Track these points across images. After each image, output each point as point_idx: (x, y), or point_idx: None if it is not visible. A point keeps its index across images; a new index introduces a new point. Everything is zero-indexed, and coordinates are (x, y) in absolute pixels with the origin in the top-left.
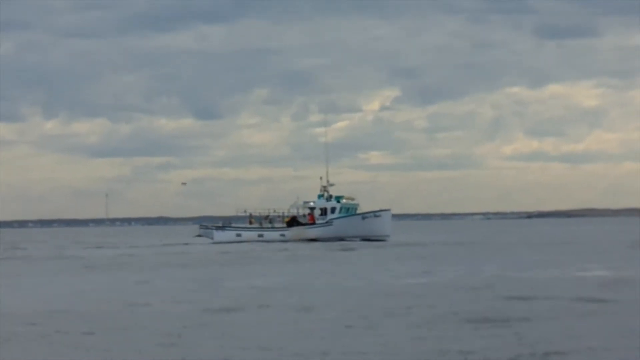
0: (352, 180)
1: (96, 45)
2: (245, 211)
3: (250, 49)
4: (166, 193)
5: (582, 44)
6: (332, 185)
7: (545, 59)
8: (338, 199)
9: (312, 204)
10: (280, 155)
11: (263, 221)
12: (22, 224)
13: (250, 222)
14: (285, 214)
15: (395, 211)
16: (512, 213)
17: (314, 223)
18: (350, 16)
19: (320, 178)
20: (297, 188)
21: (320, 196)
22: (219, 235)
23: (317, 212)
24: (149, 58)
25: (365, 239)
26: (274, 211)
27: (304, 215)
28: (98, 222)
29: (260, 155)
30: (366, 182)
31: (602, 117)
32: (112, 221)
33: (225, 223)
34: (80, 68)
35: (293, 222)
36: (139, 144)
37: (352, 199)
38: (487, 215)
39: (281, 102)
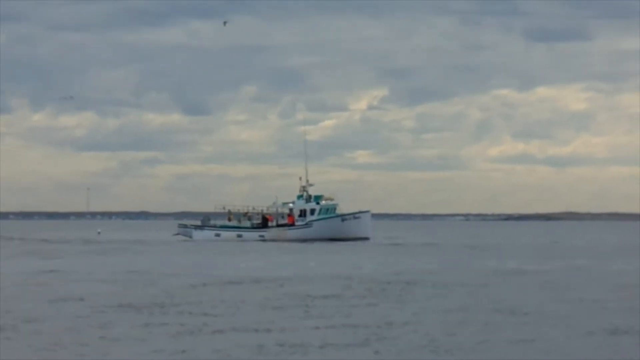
0: (337, 179)
1: (86, 39)
2: (224, 208)
3: (241, 46)
4: (151, 188)
5: (572, 47)
6: (311, 185)
7: (535, 61)
8: (317, 199)
9: (291, 205)
10: (266, 152)
11: (242, 218)
12: (4, 215)
13: (229, 219)
14: (265, 212)
15: (378, 211)
16: (493, 215)
17: (293, 224)
18: (341, 15)
19: (300, 178)
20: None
21: (299, 197)
22: (197, 234)
23: (296, 213)
24: (138, 53)
25: (345, 240)
26: (253, 209)
27: (283, 216)
28: (79, 215)
29: (246, 152)
30: (352, 181)
31: (590, 121)
32: (93, 215)
33: (204, 220)
34: (69, 61)
35: (264, 222)
36: (126, 138)
37: (332, 199)
38: (467, 217)
39: (269, 99)
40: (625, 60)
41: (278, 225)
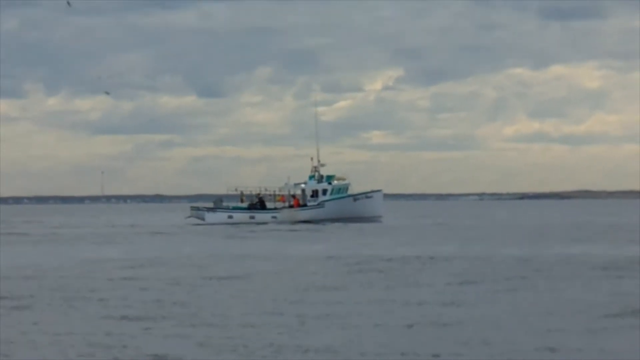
0: (352, 160)
1: (99, 23)
2: (236, 190)
3: (255, 28)
4: (166, 171)
5: (586, 26)
6: (323, 165)
7: (549, 40)
8: (329, 179)
9: (303, 185)
10: (281, 134)
11: (254, 199)
12: (18, 200)
13: (242, 201)
14: (277, 193)
15: (392, 191)
16: (508, 194)
17: (300, 205)
18: None
19: (312, 159)
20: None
21: (311, 177)
22: (210, 217)
23: (308, 194)
24: (152, 36)
25: (358, 219)
26: (266, 190)
27: (295, 197)
28: (94, 199)
29: (262, 133)
30: (366, 162)
31: (604, 98)
32: (108, 198)
33: (216, 202)
34: (83, 45)
35: (261, 203)
36: (141, 121)
37: (344, 179)
38: (481, 196)
39: (284, 81)
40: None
41: (290, 206)
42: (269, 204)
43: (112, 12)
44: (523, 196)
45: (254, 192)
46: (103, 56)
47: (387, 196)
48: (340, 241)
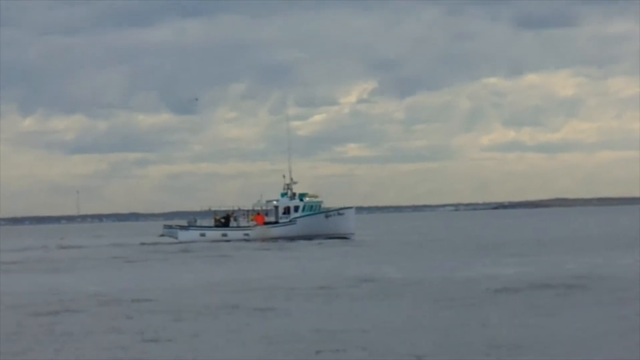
0: (328, 174)
1: (73, 42)
2: (209, 209)
3: (228, 44)
4: (141, 189)
5: (560, 34)
6: (295, 183)
7: (523, 48)
8: (302, 196)
9: (275, 202)
10: (257, 149)
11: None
12: None
13: (216, 220)
14: (252, 209)
15: (368, 204)
16: (484, 204)
17: (267, 223)
18: (327, 9)
19: (284, 176)
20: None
21: (283, 194)
22: (183, 234)
23: (280, 211)
24: (126, 54)
25: (330, 237)
26: (239, 208)
27: (267, 214)
28: (70, 219)
29: (237, 149)
30: (342, 175)
31: (578, 106)
32: (84, 218)
33: (190, 221)
34: (57, 64)
35: (227, 221)
36: (116, 139)
37: (316, 197)
38: (457, 207)
39: (258, 96)
40: (613, 45)
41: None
42: (242, 222)
43: (86, 30)
44: (498, 206)
45: (227, 210)
46: (78, 75)
47: (363, 209)
48: (257, 263)
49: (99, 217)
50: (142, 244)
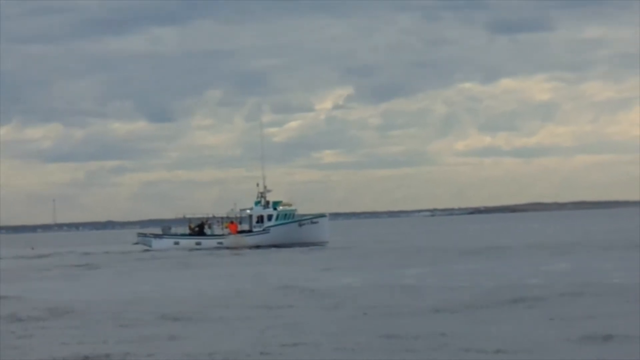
0: (304, 180)
1: (48, 51)
2: (184, 216)
3: (203, 51)
4: (118, 197)
5: (535, 38)
6: (269, 191)
7: (498, 54)
8: (275, 205)
9: (248, 211)
10: (233, 156)
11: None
12: None
13: (190, 228)
14: (226, 217)
15: (344, 210)
16: (460, 209)
17: (241, 232)
18: (302, 16)
19: (257, 184)
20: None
21: (257, 203)
22: (157, 243)
23: (254, 219)
24: (102, 62)
25: (304, 245)
26: (214, 216)
27: (240, 222)
28: (46, 228)
29: (213, 156)
30: (319, 182)
31: (554, 110)
32: (60, 226)
33: (164, 228)
34: (32, 74)
35: (201, 229)
36: (92, 148)
37: (290, 205)
38: (433, 212)
39: (234, 103)
40: (588, 49)
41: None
42: (217, 230)
43: (61, 39)
44: (474, 211)
45: (201, 218)
46: (53, 84)
47: (339, 215)
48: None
49: (76, 226)
50: (106, 252)
